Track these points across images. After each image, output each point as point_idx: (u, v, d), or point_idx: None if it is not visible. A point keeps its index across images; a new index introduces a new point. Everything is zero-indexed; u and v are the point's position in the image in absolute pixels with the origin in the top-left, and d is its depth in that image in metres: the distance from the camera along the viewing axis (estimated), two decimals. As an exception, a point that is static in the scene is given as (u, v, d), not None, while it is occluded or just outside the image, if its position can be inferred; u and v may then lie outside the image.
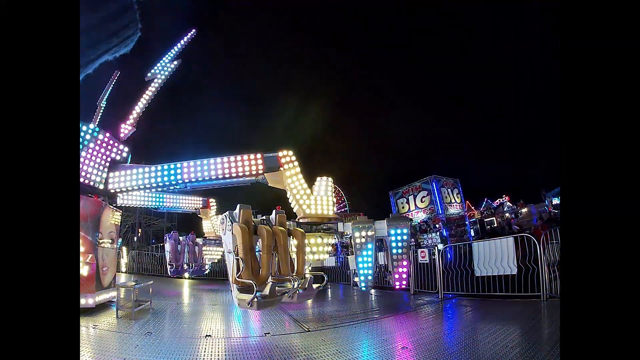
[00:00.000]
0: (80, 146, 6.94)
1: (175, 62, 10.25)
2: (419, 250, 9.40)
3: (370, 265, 7.31)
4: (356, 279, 7.87)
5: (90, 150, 7.05)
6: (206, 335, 5.24)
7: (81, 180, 6.86)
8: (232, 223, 5.99)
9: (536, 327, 5.20)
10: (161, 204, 10.95)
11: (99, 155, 7.22)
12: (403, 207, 28.03)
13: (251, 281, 5.50)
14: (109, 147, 7.47)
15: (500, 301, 7.12)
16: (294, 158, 7.76)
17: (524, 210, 31.94)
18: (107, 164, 7.39)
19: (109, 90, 11.47)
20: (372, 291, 9.96)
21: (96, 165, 7.15)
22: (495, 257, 7.52)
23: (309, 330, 5.56)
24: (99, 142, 7.26)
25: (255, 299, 5.36)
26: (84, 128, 7.08)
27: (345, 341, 4.95)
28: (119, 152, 7.72)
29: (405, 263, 7.36)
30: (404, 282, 7.53)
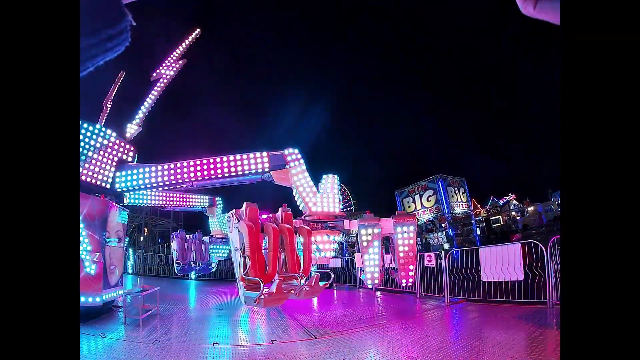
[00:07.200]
0: (88, 146, 6.99)
1: (180, 62, 10.29)
2: (426, 255, 9.28)
3: (376, 262, 7.27)
4: (362, 277, 7.84)
5: (97, 150, 7.10)
6: (213, 343, 5.22)
7: (89, 179, 6.91)
8: (238, 221, 5.99)
9: (542, 336, 5.10)
10: (168, 203, 11.01)
11: (106, 154, 7.27)
12: (409, 207, 27.90)
13: (258, 278, 5.50)
14: (116, 146, 7.52)
15: (506, 307, 7.00)
16: (299, 156, 7.74)
17: (530, 208, 31.66)
18: (114, 164, 7.43)
19: (115, 90, 11.57)
20: (378, 293, 9.86)
21: (103, 165, 7.20)
22: (502, 262, 7.42)
23: (316, 338, 5.52)
24: (105, 142, 7.30)
25: (262, 296, 5.35)
26: (91, 128, 7.13)
27: (352, 350, 4.90)
28: (126, 151, 7.76)
29: (412, 259, 7.30)
30: (411, 280, 7.47)
